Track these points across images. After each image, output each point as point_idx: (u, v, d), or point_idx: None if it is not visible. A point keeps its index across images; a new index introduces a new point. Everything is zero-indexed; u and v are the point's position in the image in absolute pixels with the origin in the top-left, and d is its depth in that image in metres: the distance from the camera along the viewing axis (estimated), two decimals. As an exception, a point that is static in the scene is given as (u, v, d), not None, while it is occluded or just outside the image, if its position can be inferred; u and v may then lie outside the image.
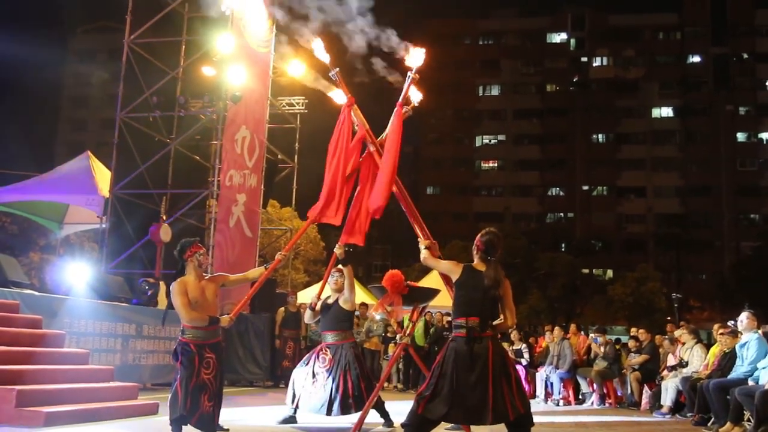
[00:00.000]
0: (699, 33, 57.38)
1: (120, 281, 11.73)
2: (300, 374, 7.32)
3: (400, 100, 6.77)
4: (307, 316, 7.60)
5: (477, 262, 5.38)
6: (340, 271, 7.37)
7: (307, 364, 7.34)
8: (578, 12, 59.39)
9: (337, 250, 6.99)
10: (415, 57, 6.68)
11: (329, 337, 7.35)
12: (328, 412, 6.99)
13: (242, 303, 6.82)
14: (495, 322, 5.24)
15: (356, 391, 7.01)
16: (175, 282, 5.98)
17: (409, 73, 6.71)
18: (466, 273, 5.31)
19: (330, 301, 7.45)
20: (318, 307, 7.43)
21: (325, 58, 6.75)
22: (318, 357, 7.29)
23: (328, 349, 7.28)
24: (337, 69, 6.75)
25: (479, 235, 5.47)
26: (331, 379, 7.06)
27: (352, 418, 6.82)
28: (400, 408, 7.01)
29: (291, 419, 7.38)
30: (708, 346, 11.10)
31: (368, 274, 48.49)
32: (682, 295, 26.11)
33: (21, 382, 6.53)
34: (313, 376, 7.19)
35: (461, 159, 59.43)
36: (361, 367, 7.24)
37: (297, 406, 7.25)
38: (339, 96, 6.97)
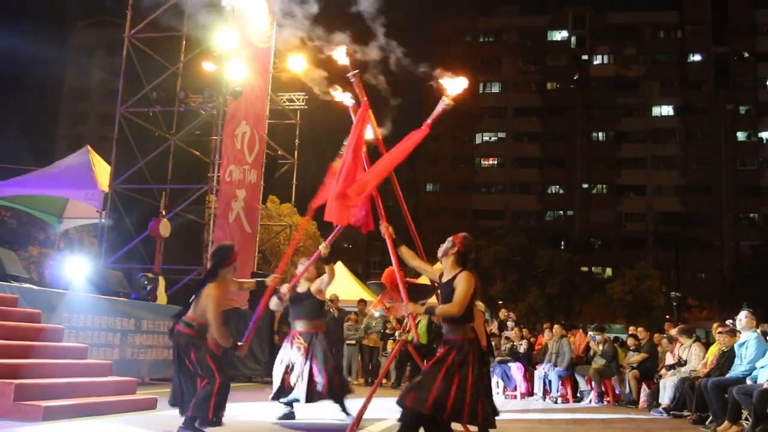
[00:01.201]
0: (699, 32, 57.35)
1: (119, 276, 11.72)
2: (280, 369, 7.41)
3: (429, 121, 6.55)
4: (273, 304, 7.48)
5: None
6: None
7: (282, 361, 7.43)
8: (579, 10, 59.37)
9: (323, 249, 6.98)
10: (455, 85, 6.54)
11: (301, 325, 7.46)
12: (308, 400, 7.15)
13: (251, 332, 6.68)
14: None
15: (323, 379, 7.14)
16: (213, 284, 5.83)
17: (444, 98, 6.53)
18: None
19: (300, 290, 7.47)
20: (286, 297, 7.37)
21: (344, 60, 6.63)
22: (292, 346, 7.38)
23: (301, 337, 7.37)
24: (357, 71, 6.61)
25: (462, 237, 5.49)
26: (308, 367, 7.20)
27: (351, 413, 6.81)
28: (395, 404, 6.96)
29: (290, 415, 7.38)
30: (707, 345, 11.10)
31: (367, 271, 48.50)
32: (681, 293, 26.13)
33: (19, 376, 6.52)
34: (291, 366, 7.32)
35: (461, 156, 59.43)
36: (332, 356, 7.38)
37: (290, 398, 7.31)
38: (346, 98, 6.85)
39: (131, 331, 10.32)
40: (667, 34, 58.92)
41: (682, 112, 56.81)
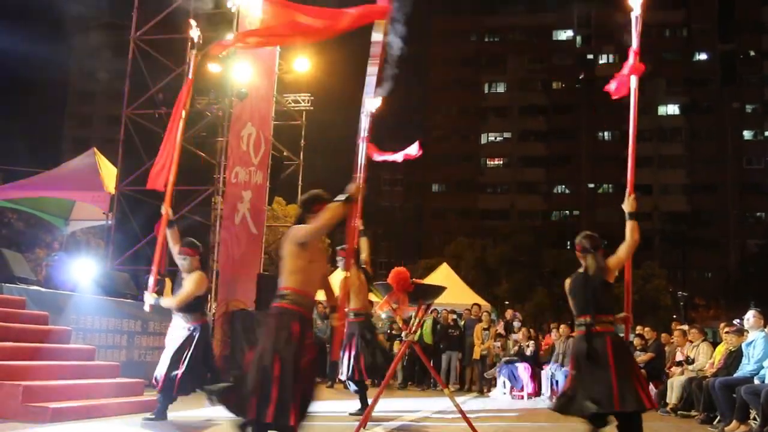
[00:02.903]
0: (706, 30, 57.20)
1: (126, 277, 11.73)
2: None
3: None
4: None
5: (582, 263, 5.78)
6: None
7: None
8: (585, 9, 59.23)
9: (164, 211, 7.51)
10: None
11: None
12: None
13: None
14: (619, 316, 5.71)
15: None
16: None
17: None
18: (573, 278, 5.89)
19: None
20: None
21: None
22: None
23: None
24: None
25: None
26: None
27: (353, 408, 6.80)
28: (402, 405, 6.96)
29: None
30: (714, 345, 11.07)
31: (373, 272, 48.45)
32: (688, 293, 26.07)
33: (27, 378, 6.54)
34: None
35: (467, 156, 59.33)
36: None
37: None
38: None
39: (138, 333, 10.35)
40: (672, 32, 58.75)
41: (688, 111, 56.65)
